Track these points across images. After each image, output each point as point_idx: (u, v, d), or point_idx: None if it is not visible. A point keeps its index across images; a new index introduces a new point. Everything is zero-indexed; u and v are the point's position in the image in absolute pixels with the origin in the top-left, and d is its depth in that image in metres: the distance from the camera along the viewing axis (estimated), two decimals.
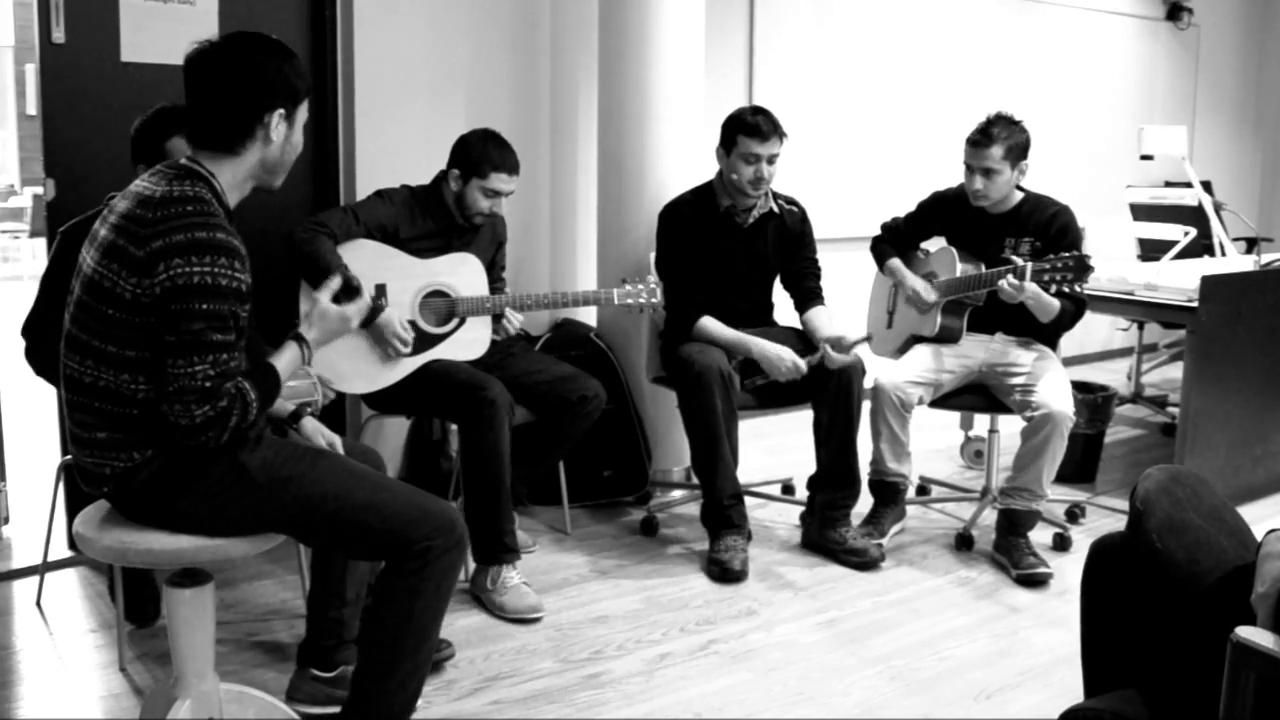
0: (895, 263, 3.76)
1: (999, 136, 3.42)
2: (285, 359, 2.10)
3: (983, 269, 3.49)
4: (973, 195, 3.51)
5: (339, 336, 2.20)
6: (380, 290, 3.18)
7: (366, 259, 3.17)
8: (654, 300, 3.40)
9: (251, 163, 2.06)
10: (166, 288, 1.88)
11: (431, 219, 3.31)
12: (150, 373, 1.93)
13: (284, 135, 2.07)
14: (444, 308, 3.26)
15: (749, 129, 3.44)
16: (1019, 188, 3.56)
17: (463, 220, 3.32)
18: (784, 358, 3.38)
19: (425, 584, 2.09)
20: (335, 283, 2.21)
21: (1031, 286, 3.24)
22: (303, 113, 2.11)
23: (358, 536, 2.09)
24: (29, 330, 2.83)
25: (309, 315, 2.17)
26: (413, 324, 3.21)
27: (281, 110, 2.04)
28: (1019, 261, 3.29)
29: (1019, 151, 3.46)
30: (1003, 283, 3.26)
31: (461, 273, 3.29)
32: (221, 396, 1.91)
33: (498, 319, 3.31)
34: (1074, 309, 3.41)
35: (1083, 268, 3.20)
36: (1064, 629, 3.00)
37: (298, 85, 2.07)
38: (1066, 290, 3.26)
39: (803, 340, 3.56)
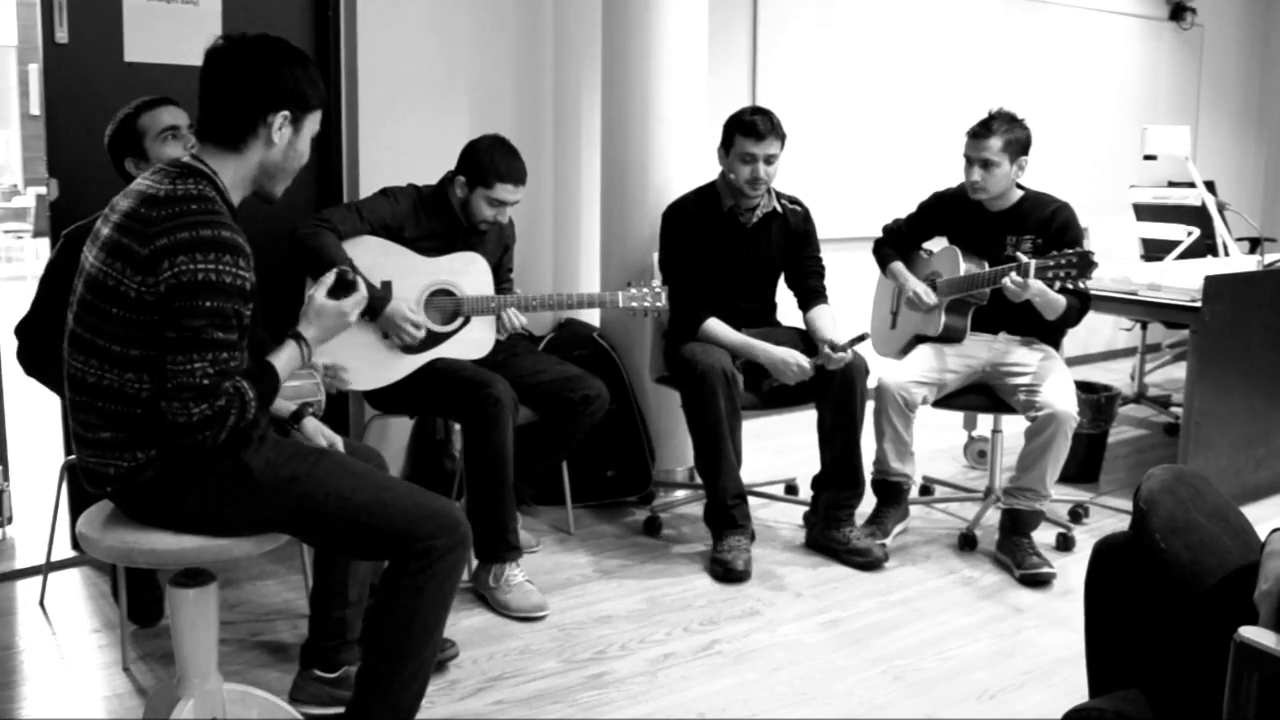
0: (897, 266, 3.75)
1: (999, 129, 3.43)
2: (284, 357, 2.08)
3: (986, 267, 3.49)
4: (971, 188, 3.51)
5: (338, 333, 2.18)
6: (386, 287, 3.18)
7: (372, 255, 3.18)
8: (659, 305, 3.40)
9: (252, 163, 2.04)
10: (171, 285, 1.87)
11: (437, 220, 3.31)
12: (154, 371, 1.93)
13: (287, 140, 2.05)
14: (449, 306, 3.27)
15: (746, 128, 3.45)
16: (1019, 185, 3.56)
17: (468, 224, 3.32)
18: (789, 361, 3.38)
19: (429, 582, 2.08)
20: (330, 278, 2.18)
21: (1036, 284, 3.23)
22: (311, 123, 2.09)
23: (361, 536, 2.09)
24: (23, 330, 2.82)
25: (305, 312, 2.15)
26: None
27: (286, 113, 2.03)
28: (1023, 259, 3.28)
29: (1018, 146, 3.45)
30: (1006, 280, 3.26)
31: (467, 272, 3.29)
32: (220, 395, 1.90)
33: (500, 317, 3.31)
34: (1079, 304, 3.40)
35: (1086, 264, 3.19)
36: (1067, 629, 3.00)
37: (308, 92, 2.05)
38: (1071, 286, 3.26)
39: (806, 340, 3.56)
